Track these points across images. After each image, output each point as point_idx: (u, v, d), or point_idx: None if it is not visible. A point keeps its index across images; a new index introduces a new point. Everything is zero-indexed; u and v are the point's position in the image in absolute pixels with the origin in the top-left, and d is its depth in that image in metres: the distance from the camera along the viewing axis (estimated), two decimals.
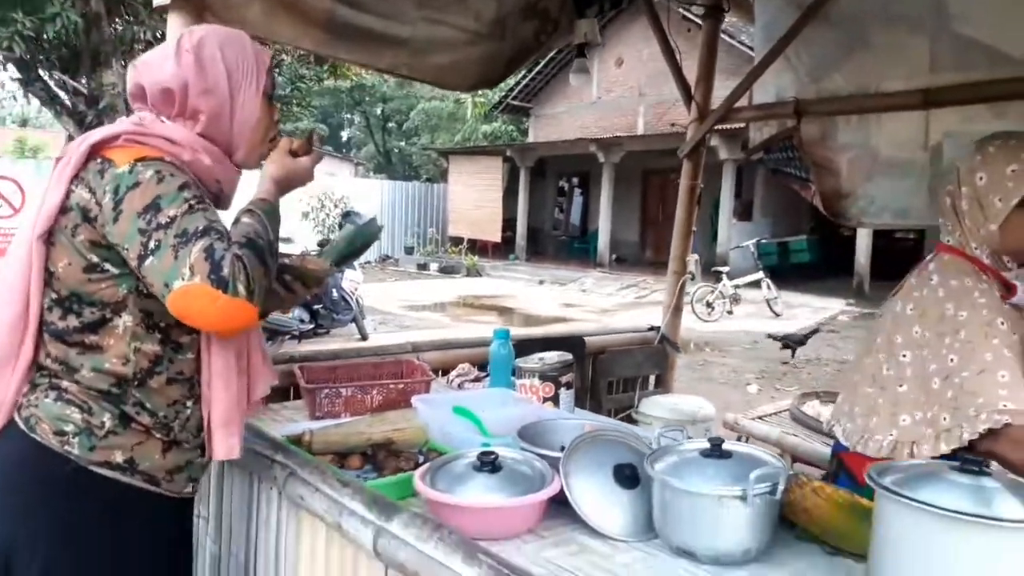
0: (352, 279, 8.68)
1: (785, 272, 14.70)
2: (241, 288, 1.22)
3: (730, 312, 12.05)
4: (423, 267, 18.58)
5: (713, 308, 11.83)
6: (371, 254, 19.62)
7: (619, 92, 19.29)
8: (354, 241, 1.77)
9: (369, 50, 2.63)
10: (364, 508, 1.31)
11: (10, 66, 8.69)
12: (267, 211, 1.40)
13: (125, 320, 1.33)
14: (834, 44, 2.91)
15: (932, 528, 1.12)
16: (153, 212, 1.25)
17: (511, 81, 20.49)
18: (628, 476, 1.49)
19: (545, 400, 2.18)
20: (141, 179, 1.27)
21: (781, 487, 1.32)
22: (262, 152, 1.51)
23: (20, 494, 1.34)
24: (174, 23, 2.02)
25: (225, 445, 1.41)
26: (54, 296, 1.34)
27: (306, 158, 1.53)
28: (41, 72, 8.65)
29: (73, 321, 1.33)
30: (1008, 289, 1.61)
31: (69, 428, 1.32)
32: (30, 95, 9.15)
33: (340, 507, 1.36)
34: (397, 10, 2.62)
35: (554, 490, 1.44)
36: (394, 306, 12.37)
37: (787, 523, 1.47)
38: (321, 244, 1.99)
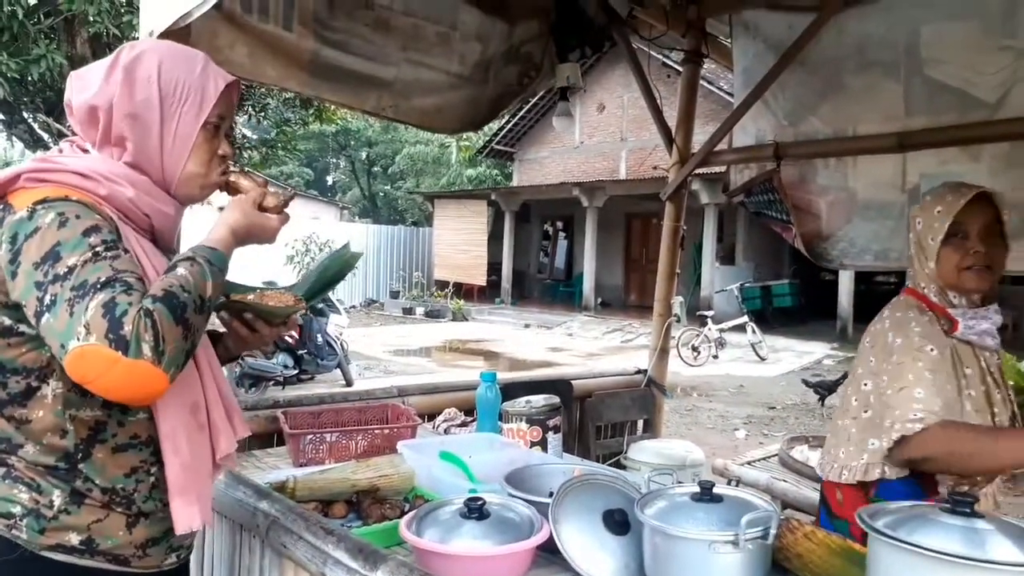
0: (337, 323, 8.64)
1: (769, 316, 14.79)
2: (146, 349, 1.04)
3: (715, 356, 12.06)
4: (409, 311, 18.53)
5: (699, 352, 11.85)
6: (356, 298, 19.58)
7: (601, 137, 19.57)
8: (327, 269, 1.58)
9: (354, 91, 2.66)
10: (349, 557, 1.28)
11: None
12: (211, 259, 1.20)
13: (54, 387, 1.17)
14: (811, 88, 2.97)
15: (925, 571, 1.10)
16: (51, 262, 1.08)
17: (495, 126, 20.75)
18: (618, 522, 1.47)
19: (533, 444, 2.15)
20: (40, 224, 1.11)
21: (773, 531, 1.30)
22: (205, 185, 1.33)
23: None
24: None
25: (183, 515, 1.23)
26: None
27: (276, 217, 1.36)
28: (25, 114, 8.65)
29: (1, 393, 1.18)
30: (952, 323, 1.70)
31: (16, 510, 1.17)
32: (13, 137, 9.15)
33: (324, 556, 1.32)
34: (381, 52, 2.65)
35: (543, 537, 1.42)
36: (379, 351, 12.29)
37: (779, 568, 1.45)
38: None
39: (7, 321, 1.17)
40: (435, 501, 1.57)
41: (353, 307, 18.80)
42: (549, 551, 1.44)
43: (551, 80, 3.19)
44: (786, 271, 16.80)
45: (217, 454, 1.30)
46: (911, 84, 2.68)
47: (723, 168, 3.52)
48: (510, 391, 2.38)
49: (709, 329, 12.16)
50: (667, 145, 3.46)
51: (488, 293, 20.11)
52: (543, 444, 2.16)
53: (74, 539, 1.19)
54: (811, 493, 3.07)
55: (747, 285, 14.54)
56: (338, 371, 8.56)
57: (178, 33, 2.04)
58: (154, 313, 1.06)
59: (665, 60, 13.95)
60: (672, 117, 3.46)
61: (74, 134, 1.32)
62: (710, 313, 12.68)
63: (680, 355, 11.48)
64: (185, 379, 1.20)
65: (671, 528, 1.32)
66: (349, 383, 8.47)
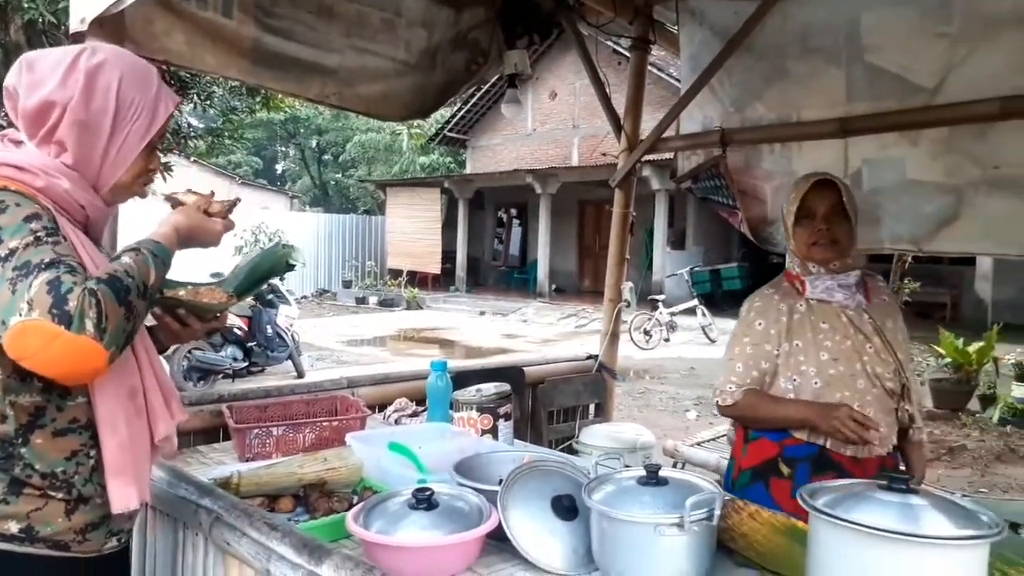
0: (287, 315, 8.51)
1: (718, 299, 15.03)
2: (89, 325, 1.07)
3: (667, 339, 12.23)
4: (362, 301, 18.35)
5: (651, 336, 11.99)
6: (308, 288, 19.31)
7: (553, 124, 19.60)
8: (259, 265, 1.59)
9: (297, 79, 2.60)
10: (293, 552, 1.26)
11: None
12: (155, 251, 1.25)
13: None
14: (756, 74, 3.00)
15: (863, 547, 1.13)
16: None
17: (447, 113, 20.63)
18: (567, 507, 1.47)
19: (484, 433, 2.15)
20: None
21: (717, 512, 1.31)
22: (130, 194, 1.38)
23: None
24: None
25: (120, 495, 1.26)
26: None
27: (220, 222, 1.40)
28: None
29: None
30: (803, 286, 2.00)
31: None
32: None
33: (268, 552, 1.30)
34: (324, 39, 2.60)
35: (492, 525, 1.41)
36: (332, 342, 12.16)
37: (725, 549, 1.48)
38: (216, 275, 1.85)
39: None
40: (383, 493, 1.55)
41: (305, 297, 18.55)
42: (499, 539, 1.44)
43: (499, 67, 3.17)
44: (735, 255, 17.08)
45: (156, 437, 1.33)
46: (852, 70, 2.72)
47: (672, 153, 3.55)
48: (461, 380, 2.37)
49: (660, 313, 12.31)
50: (616, 132, 3.47)
51: (443, 281, 20.04)
52: (494, 432, 2.16)
53: (13, 527, 1.22)
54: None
55: (697, 269, 14.75)
56: (289, 363, 8.45)
57: (112, 20, 1.98)
58: (98, 292, 1.09)
59: (615, 47, 14.07)
60: (622, 104, 3.47)
61: (7, 124, 1.29)
62: (661, 297, 12.85)
63: (632, 339, 11.60)
64: (123, 365, 1.25)
65: (617, 512, 1.33)
66: (300, 375, 8.37)
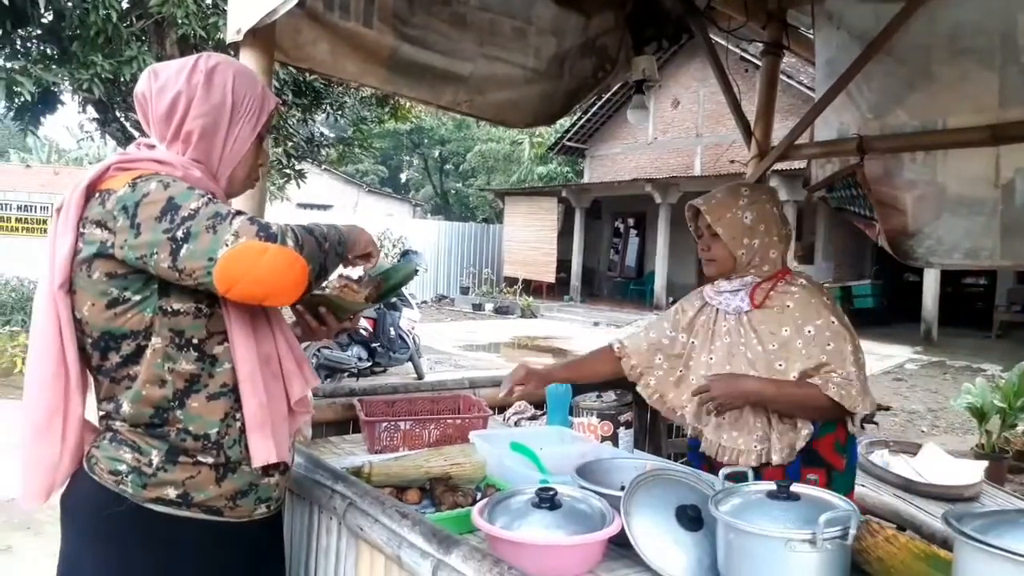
0: (410, 318, 8.77)
1: (849, 318, 14.32)
2: (290, 241, 1.24)
3: None
4: (478, 307, 18.66)
5: None
6: (427, 294, 19.83)
7: (675, 133, 19.29)
8: (390, 277, 1.69)
9: (430, 87, 2.70)
10: (424, 541, 1.30)
11: (89, 107, 9.10)
12: (334, 226, 1.43)
13: (155, 343, 1.32)
14: (898, 79, 2.86)
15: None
16: (172, 212, 1.25)
17: (567, 122, 20.70)
18: (691, 518, 1.45)
19: (603, 439, 2.15)
20: (147, 190, 1.27)
21: (852, 531, 1.26)
22: (245, 186, 1.53)
23: (87, 532, 1.38)
24: (245, 60, 2.09)
25: (261, 448, 1.37)
26: (89, 340, 1.34)
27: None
28: (118, 113, 9.04)
29: (114, 358, 1.33)
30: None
31: (122, 468, 1.34)
32: (107, 135, 9.59)
33: (399, 539, 1.35)
34: (458, 48, 2.68)
35: (615, 529, 1.41)
36: (449, 346, 12.42)
37: (859, 571, 1.41)
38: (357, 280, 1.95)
39: (115, 292, 1.30)
40: (507, 490, 1.58)
41: (424, 303, 19.06)
42: (620, 544, 1.43)
43: (627, 73, 3.16)
44: (868, 271, 16.24)
45: (292, 398, 1.43)
46: (1007, 73, 2.55)
47: (803, 164, 3.43)
48: (581, 387, 2.38)
49: None
50: (745, 139, 3.39)
51: (557, 290, 20.09)
52: (614, 439, 2.16)
53: (171, 493, 1.34)
54: (891, 499, 2.96)
55: (827, 285, 14.10)
56: (409, 364, 8.70)
57: (264, 31, 2.11)
58: (291, 226, 1.28)
59: (742, 54, 13.71)
60: (750, 112, 3.38)
61: (141, 130, 1.46)
62: None
63: None
64: (259, 333, 1.38)
65: (746, 525, 1.30)
66: (420, 376, 8.60)
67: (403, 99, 9.81)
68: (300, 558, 1.73)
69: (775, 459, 1.93)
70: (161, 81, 1.40)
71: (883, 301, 15.30)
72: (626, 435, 2.17)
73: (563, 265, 20.06)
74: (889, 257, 3.21)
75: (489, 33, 2.72)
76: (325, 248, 1.34)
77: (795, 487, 1.38)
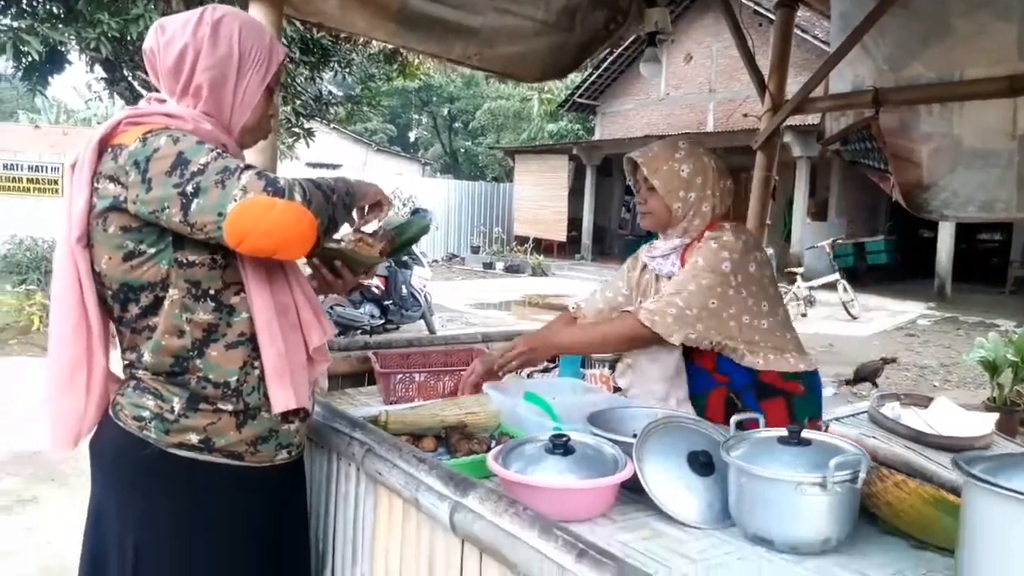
0: (421, 276, 8.81)
1: (862, 274, 14.28)
2: (297, 196, 1.25)
3: (804, 315, 11.73)
4: (489, 266, 18.68)
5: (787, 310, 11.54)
6: (438, 253, 19.86)
7: (688, 88, 19.03)
8: (404, 231, 1.70)
9: (440, 40, 2.67)
10: (440, 484, 1.34)
11: (96, 67, 9.06)
12: (342, 178, 1.45)
13: (172, 294, 1.34)
14: (914, 32, 2.81)
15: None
16: (182, 167, 1.26)
17: (577, 78, 20.43)
18: (703, 463, 1.48)
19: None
20: (158, 145, 1.29)
21: (862, 475, 1.29)
22: (256, 137, 1.54)
23: (113, 475, 1.43)
24: (255, 14, 2.08)
25: (281, 396, 1.41)
26: (109, 293, 1.37)
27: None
28: (126, 72, 9.00)
29: (134, 309, 1.36)
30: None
31: (145, 414, 1.37)
32: (115, 95, 9.55)
33: (417, 482, 1.38)
34: (468, 1, 2.65)
35: (628, 474, 1.44)
36: (460, 304, 12.48)
37: (871, 516, 1.44)
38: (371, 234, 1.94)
39: (131, 245, 1.33)
40: (521, 437, 1.61)
41: (435, 261, 19.08)
42: (632, 490, 1.47)
43: (639, 25, 3.12)
44: (882, 228, 16.12)
45: (310, 346, 1.46)
46: None
47: (816, 120, 3.39)
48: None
49: (798, 286, 11.81)
50: (759, 92, 3.34)
51: (568, 249, 20.05)
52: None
53: (193, 438, 1.38)
54: (902, 451, 2.98)
55: (839, 242, 14.01)
56: (421, 322, 8.75)
57: None
58: (299, 180, 1.29)
59: (756, 8, 13.44)
60: (765, 67, 3.34)
61: (149, 88, 1.46)
62: (800, 270, 12.30)
63: None
64: (276, 284, 1.40)
65: (757, 468, 1.33)
66: (432, 332, 8.65)
67: (411, 55, 9.70)
68: (320, 504, 1.77)
69: (672, 403, 1.95)
70: (168, 35, 1.41)
71: (897, 257, 15.20)
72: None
73: (574, 223, 19.99)
74: (904, 213, 3.19)
75: None
76: (333, 201, 1.36)
77: (806, 433, 1.41)
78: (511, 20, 2.79)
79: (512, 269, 18.17)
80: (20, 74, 8.56)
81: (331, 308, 7.91)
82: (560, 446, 1.48)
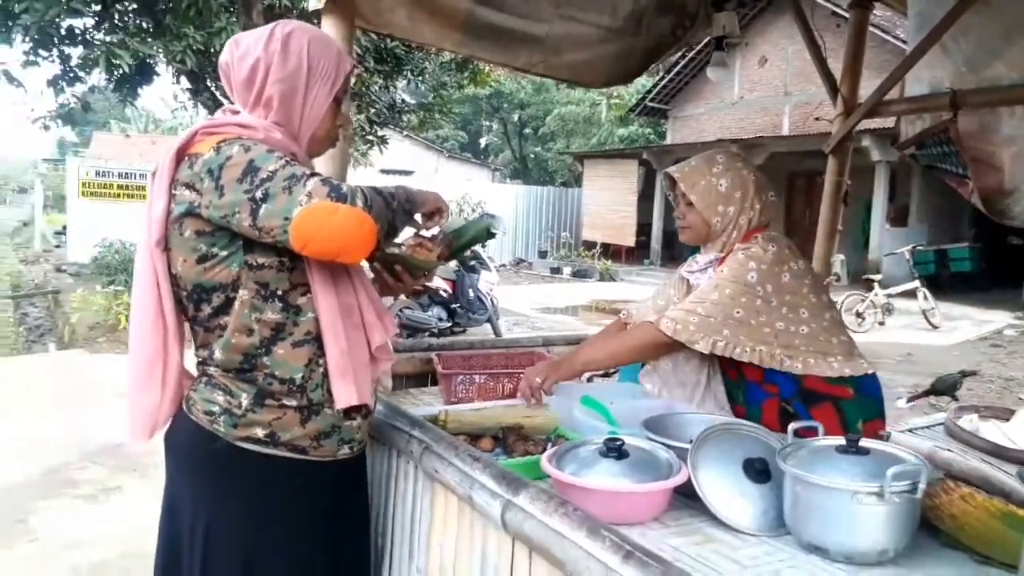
0: (488, 280, 8.89)
1: (944, 282, 13.70)
2: (359, 201, 1.31)
3: (882, 323, 11.34)
4: (556, 271, 18.68)
5: (863, 318, 11.16)
6: (505, 257, 19.97)
7: (762, 91, 18.65)
8: (465, 232, 1.73)
9: (506, 49, 2.71)
10: (493, 482, 1.37)
11: (182, 78, 9.48)
12: (402, 187, 1.50)
13: (242, 295, 1.41)
14: (996, 31, 2.70)
15: None
16: (252, 174, 1.33)
17: (648, 82, 20.29)
18: (759, 470, 1.47)
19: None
20: (230, 154, 1.36)
21: (922, 486, 1.26)
22: (325, 146, 1.60)
23: (186, 466, 1.51)
24: (327, 26, 2.16)
25: (344, 392, 1.46)
26: (184, 293, 1.44)
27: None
28: (209, 83, 9.39)
29: (206, 309, 1.43)
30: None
31: (215, 409, 1.44)
32: (199, 104, 9.97)
33: (471, 480, 1.42)
34: (534, 9, 2.68)
35: (682, 479, 1.44)
36: (527, 308, 12.53)
37: (933, 529, 1.40)
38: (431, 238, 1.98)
39: (204, 248, 1.41)
40: (575, 440, 1.63)
41: (503, 266, 19.20)
42: (687, 496, 1.46)
43: (706, 30, 3.09)
44: (965, 234, 15.44)
45: (372, 345, 1.51)
46: None
47: (894, 119, 3.29)
48: None
49: (875, 294, 11.41)
50: (832, 96, 3.27)
51: (637, 254, 19.89)
52: None
53: (260, 433, 1.45)
54: (979, 464, 2.86)
55: (920, 248, 13.48)
56: (488, 325, 8.83)
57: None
58: (361, 187, 1.35)
59: (835, 9, 13.09)
60: (838, 70, 3.26)
61: (228, 100, 1.55)
62: (877, 277, 11.88)
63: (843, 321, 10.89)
64: (341, 286, 1.46)
65: (813, 477, 1.31)
66: (498, 336, 8.72)
67: (481, 63, 9.81)
68: (380, 500, 1.83)
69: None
70: (242, 50, 1.48)
71: (981, 265, 14.53)
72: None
73: (643, 229, 19.81)
74: (989, 219, 3.06)
75: None
76: (393, 207, 1.41)
77: (864, 442, 1.38)
78: (577, 27, 2.81)
79: (579, 274, 18.12)
80: (112, 86, 9.04)
81: (400, 311, 8.06)
82: (614, 449, 1.49)
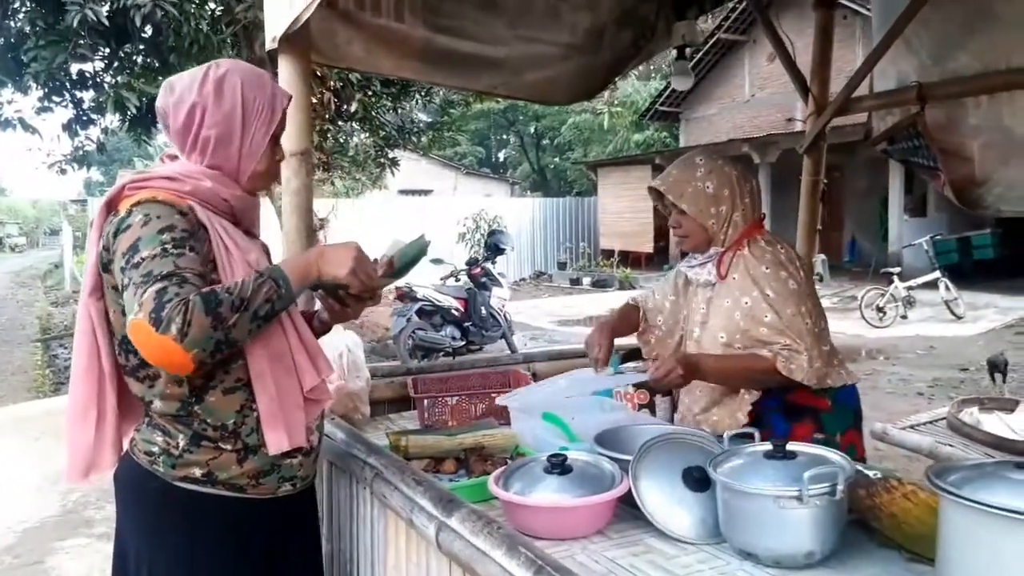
0: (499, 296, 8.93)
1: (966, 271, 13.46)
2: (173, 329, 1.24)
3: (904, 316, 11.18)
4: (576, 282, 18.67)
5: (884, 313, 11.00)
6: (525, 271, 20.01)
7: (774, 88, 18.52)
8: (405, 254, 1.70)
9: (465, 74, 2.76)
10: (431, 504, 1.41)
11: None
12: (272, 275, 1.39)
13: None
14: (958, 21, 2.72)
15: (992, 528, 1.06)
16: (131, 253, 1.34)
17: (659, 87, 20.23)
18: (696, 479, 1.49)
19: (640, 407, 2.19)
20: (131, 223, 1.37)
21: (841, 487, 1.28)
22: (266, 181, 1.62)
23: (131, 507, 1.54)
24: (283, 65, 2.22)
25: (274, 438, 1.46)
26: (117, 341, 1.47)
27: (367, 276, 1.51)
28: None
29: (133, 360, 1.44)
30: None
31: (155, 449, 1.46)
32: None
33: (412, 503, 1.46)
34: (491, 33, 2.72)
35: (620, 492, 1.48)
36: (545, 322, 12.53)
37: (871, 530, 1.42)
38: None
39: (122, 301, 1.40)
40: (525, 458, 1.67)
41: (523, 279, 19.24)
42: (632, 506, 1.49)
43: (667, 41, 3.13)
44: (988, 220, 15.17)
45: (304, 388, 1.51)
46: None
47: (866, 118, 3.30)
48: (632, 355, 2.41)
49: (895, 287, 11.25)
50: (802, 95, 3.29)
51: (656, 260, 19.79)
52: (651, 407, 2.20)
53: (197, 472, 1.46)
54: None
55: (939, 238, 13.27)
56: (503, 341, 8.87)
57: (299, 36, 2.24)
58: (190, 303, 1.27)
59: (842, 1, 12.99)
60: (845, 64, 3.24)
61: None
62: (896, 270, 11.71)
63: (863, 316, 10.76)
64: (270, 334, 1.45)
65: (737, 484, 1.34)
66: (513, 351, 8.75)
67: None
68: (345, 528, 1.88)
69: (720, 427, 1.91)
70: (177, 95, 1.51)
71: (1005, 251, 14.25)
72: (664, 403, 2.21)
73: (662, 233, 19.71)
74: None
75: (521, 14, 2.75)
76: (230, 322, 1.31)
77: (792, 446, 1.41)
78: (537, 47, 2.86)
79: (599, 284, 18.08)
80: (125, 126, 9.26)
81: (413, 332, 8.14)
82: (557, 465, 1.52)
